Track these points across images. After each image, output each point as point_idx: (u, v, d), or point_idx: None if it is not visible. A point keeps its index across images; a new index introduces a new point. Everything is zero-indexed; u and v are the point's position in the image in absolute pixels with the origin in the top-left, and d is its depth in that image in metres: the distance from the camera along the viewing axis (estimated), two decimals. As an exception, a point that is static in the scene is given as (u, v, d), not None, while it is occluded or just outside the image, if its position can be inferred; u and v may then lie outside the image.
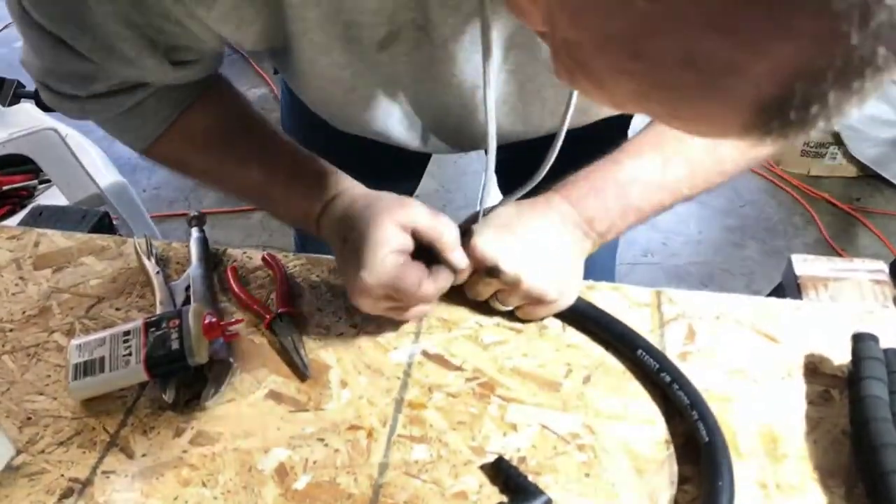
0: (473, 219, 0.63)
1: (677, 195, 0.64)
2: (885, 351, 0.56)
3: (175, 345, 0.55)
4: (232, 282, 0.66)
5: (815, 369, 0.60)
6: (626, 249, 2.07)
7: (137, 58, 0.53)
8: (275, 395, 0.58)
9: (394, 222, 0.56)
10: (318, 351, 0.62)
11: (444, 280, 0.58)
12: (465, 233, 0.60)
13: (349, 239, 0.57)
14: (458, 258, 0.58)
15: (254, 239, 2.10)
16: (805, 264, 0.73)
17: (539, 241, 0.60)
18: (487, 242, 0.59)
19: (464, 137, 0.69)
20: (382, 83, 0.61)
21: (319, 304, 0.66)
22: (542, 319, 0.63)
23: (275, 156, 0.65)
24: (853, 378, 0.55)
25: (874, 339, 0.57)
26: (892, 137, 2.18)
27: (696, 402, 0.54)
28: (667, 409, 0.57)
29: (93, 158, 1.50)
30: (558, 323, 0.64)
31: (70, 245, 0.72)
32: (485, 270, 0.59)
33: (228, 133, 0.65)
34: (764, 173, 2.34)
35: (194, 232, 0.70)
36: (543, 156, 0.60)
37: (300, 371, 0.59)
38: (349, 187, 0.62)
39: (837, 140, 2.23)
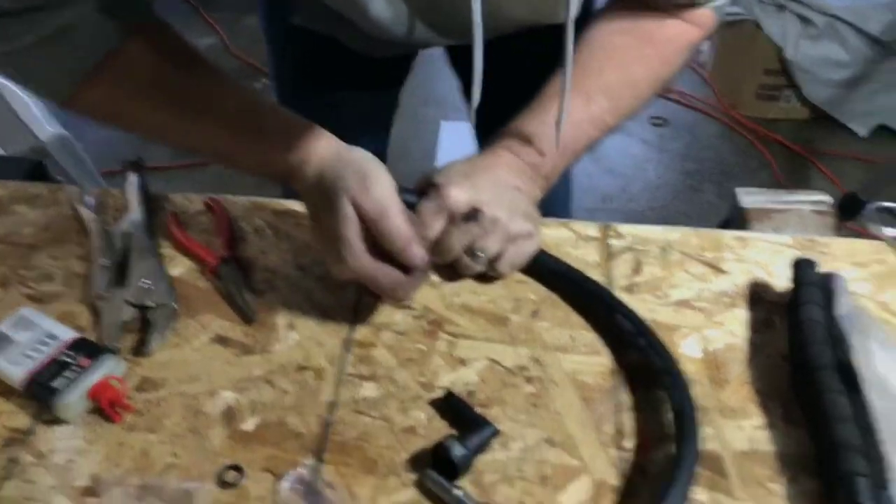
0: (429, 176, 0.60)
1: (603, 127, 0.65)
2: (825, 276, 0.57)
3: (58, 384, 0.50)
4: (173, 227, 0.64)
5: (758, 297, 0.61)
6: (585, 196, 2.08)
7: None
8: (221, 340, 0.57)
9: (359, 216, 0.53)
10: (266, 294, 0.61)
11: (419, 282, 0.56)
12: (427, 189, 0.59)
13: (323, 219, 0.55)
14: (412, 255, 0.54)
15: (207, 193, 2.05)
16: (750, 197, 0.74)
17: (503, 184, 0.60)
18: (460, 187, 0.57)
19: (453, 21, 0.65)
20: None
21: (265, 247, 0.65)
22: (515, 270, 0.61)
23: (232, 106, 0.60)
24: (793, 303, 0.56)
25: (812, 264, 0.58)
26: (843, 78, 2.20)
27: (669, 367, 0.53)
28: (611, 340, 0.57)
29: (31, 110, 1.43)
30: (507, 260, 0.63)
31: (1, 194, 0.70)
32: (462, 217, 0.57)
33: (175, 77, 0.58)
34: (720, 117, 2.36)
35: (131, 177, 0.68)
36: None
37: (246, 315, 0.58)
38: (318, 151, 0.57)
39: (791, 83, 2.25)
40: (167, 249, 0.65)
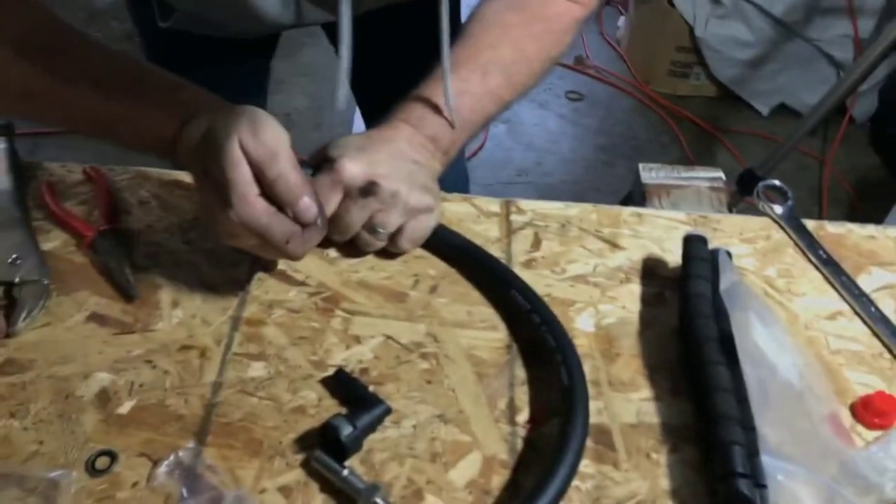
0: (323, 149, 0.58)
1: (499, 102, 0.66)
2: (713, 251, 0.59)
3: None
4: (47, 196, 0.60)
5: (651, 272, 0.62)
6: (500, 169, 2.09)
7: None
8: (97, 318, 0.54)
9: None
10: (149, 270, 0.58)
11: (315, 238, 0.52)
12: (321, 163, 0.56)
13: (210, 171, 0.50)
14: (303, 210, 0.50)
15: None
16: (650, 173, 0.75)
17: (401, 157, 0.59)
18: (356, 161, 0.55)
19: None
20: None
21: (150, 221, 0.61)
22: (417, 244, 0.60)
23: (109, 71, 0.55)
24: (682, 277, 0.58)
25: (703, 240, 0.59)
26: (748, 58, 2.28)
27: (562, 345, 0.53)
28: (508, 314, 0.57)
29: None
30: (406, 234, 0.62)
31: None
32: (359, 191, 0.55)
33: (44, 44, 0.54)
34: (635, 93, 2.41)
35: None
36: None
37: (126, 291, 0.55)
38: (203, 106, 0.54)
39: (701, 60, 2.32)
40: (40, 222, 0.60)
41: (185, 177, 0.65)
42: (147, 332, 0.53)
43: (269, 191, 0.49)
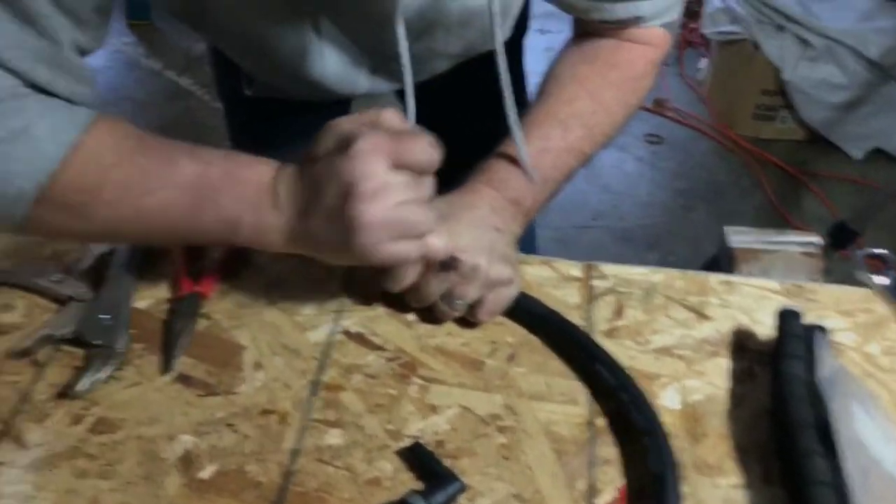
0: None
1: (581, 156, 0.66)
2: (807, 328, 0.55)
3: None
4: (180, 250, 0.63)
5: (741, 346, 0.59)
6: (576, 213, 2.07)
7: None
8: (183, 379, 0.55)
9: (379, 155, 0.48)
10: (232, 331, 0.59)
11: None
12: None
13: (325, 188, 0.48)
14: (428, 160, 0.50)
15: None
16: (738, 236, 0.72)
17: (483, 227, 0.58)
18: (437, 234, 0.54)
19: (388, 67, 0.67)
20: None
21: (235, 281, 0.63)
22: (496, 316, 0.59)
23: (202, 150, 0.53)
24: (775, 356, 0.55)
25: (797, 316, 0.56)
26: (840, 102, 2.19)
27: (651, 428, 0.50)
28: (591, 388, 0.55)
29: None
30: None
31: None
32: (440, 264, 0.55)
33: (142, 142, 0.52)
34: (715, 136, 2.35)
35: None
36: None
37: (166, 361, 0.56)
38: (284, 164, 0.53)
39: (788, 103, 2.24)
40: (156, 270, 0.63)
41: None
42: (230, 395, 0.54)
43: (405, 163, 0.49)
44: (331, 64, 0.69)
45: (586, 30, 0.69)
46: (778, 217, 2.07)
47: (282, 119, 0.82)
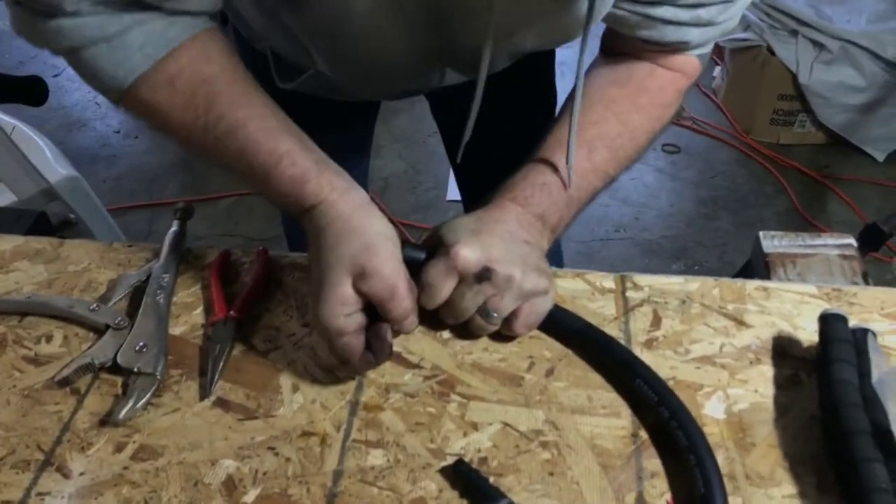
0: (437, 233, 0.59)
1: (605, 178, 0.65)
2: (854, 331, 0.54)
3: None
4: (215, 267, 0.64)
5: (783, 352, 0.58)
6: (598, 225, 2.06)
7: None
8: (222, 403, 0.55)
9: (350, 285, 0.52)
10: (269, 354, 0.59)
11: (381, 357, 0.54)
12: (434, 247, 0.57)
13: (317, 268, 0.54)
14: (408, 325, 0.55)
15: (218, 228, 2.05)
16: (773, 241, 0.71)
17: (513, 239, 0.58)
18: (470, 247, 0.55)
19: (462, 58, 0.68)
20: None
21: (269, 304, 0.63)
22: (532, 329, 0.59)
23: (271, 128, 0.57)
24: (821, 361, 0.53)
25: (842, 319, 0.55)
26: (859, 103, 2.17)
27: (695, 444, 0.49)
28: (633, 400, 0.55)
29: (43, 153, 1.43)
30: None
31: (2, 249, 0.68)
32: (474, 277, 0.55)
33: (222, 86, 0.56)
34: (734, 143, 2.34)
35: (174, 225, 0.68)
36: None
37: (205, 386, 0.56)
38: (331, 197, 0.55)
39: (806, 107, 2.23)
40: (190, 296, 0.63)
41: (302, 259, 0.66)
42: (269, 418, 0.54)
43: (381, 312, 0.53)
44: (410, 54, 0.67)
45: (623, 49, 0.67)
46: (803, 222, 2.05)
47: (309, 131, 0.83)
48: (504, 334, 0.58)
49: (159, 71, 0.55)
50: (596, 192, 0.66)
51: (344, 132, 0.89)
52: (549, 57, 0.90)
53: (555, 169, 0.62)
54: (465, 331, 0.59)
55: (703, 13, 0.61)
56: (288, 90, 0.76)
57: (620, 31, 0.64)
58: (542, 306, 0.58)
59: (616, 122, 0.65)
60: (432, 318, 0.59)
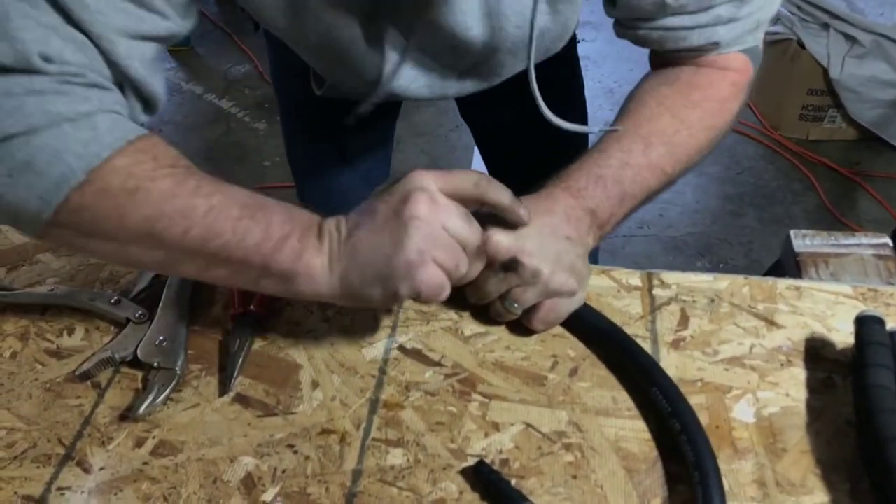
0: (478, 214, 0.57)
1: (662, 176, 0.63)
2: (892, 334, 0.52)
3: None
4: None
5: (816, 354, 0.56)
6: (621, 222, 2.03)
7: None
8: (241, 399, 0.55)
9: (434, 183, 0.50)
10: (288, 350, 0.58)
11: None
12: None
13: (380, 207, 0.49)
14: (524, 214, 0.54)
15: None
16: (804, 240, 0.69)
17: (553, 234, 0.57)
18: (504, 234, 0.54)
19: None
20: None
21: (288, 299, 0.62)
22: (550, 327, 0.58)
23: (241, 195, 0.50)
24: (857, 365, 0.52)
25: (880, 321, 0.53)
26: (891, 98, 2.12)
27: (700, 461, 0.47)
28: (648, 407, 0.53)
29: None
30: (543, 312, 0.60)
31: (25, 242, 0.68)
32: (502, 265, 0.54)
33: (191, 166, 0.51)
34: (762, 139, 2.29)
35: None
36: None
37: (224, 382, 0.55)
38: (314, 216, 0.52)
39: (836, 103, 2.18)
40: (210, 290, 0.63)
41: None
42: (289, 415, 0.53)
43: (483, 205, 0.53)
44: (414, 81, 0.68)
45: (664, 62, 0.67)
46: (832, 220, 2.01)
47: (338, 130, 0.84)
48: (527, 329, 0.57)
49: (134, 147, 0.48)
50: (651, 190, 0.63)
51: (367, 132, 0.90)
52: (572, 52, 0.89)
53: (611, 162, 0.61)
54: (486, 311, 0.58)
55: (721, 11, 0.60)
56: (320, 96, 0.77)
57: (652, 48, 0.65)
58: (565, 307, 0.56)
59: (671, 117, 0.63)
60: (446, 311, 0.59)
